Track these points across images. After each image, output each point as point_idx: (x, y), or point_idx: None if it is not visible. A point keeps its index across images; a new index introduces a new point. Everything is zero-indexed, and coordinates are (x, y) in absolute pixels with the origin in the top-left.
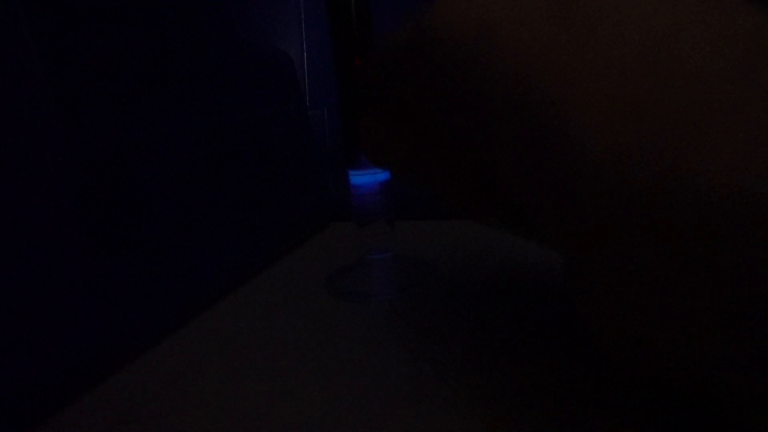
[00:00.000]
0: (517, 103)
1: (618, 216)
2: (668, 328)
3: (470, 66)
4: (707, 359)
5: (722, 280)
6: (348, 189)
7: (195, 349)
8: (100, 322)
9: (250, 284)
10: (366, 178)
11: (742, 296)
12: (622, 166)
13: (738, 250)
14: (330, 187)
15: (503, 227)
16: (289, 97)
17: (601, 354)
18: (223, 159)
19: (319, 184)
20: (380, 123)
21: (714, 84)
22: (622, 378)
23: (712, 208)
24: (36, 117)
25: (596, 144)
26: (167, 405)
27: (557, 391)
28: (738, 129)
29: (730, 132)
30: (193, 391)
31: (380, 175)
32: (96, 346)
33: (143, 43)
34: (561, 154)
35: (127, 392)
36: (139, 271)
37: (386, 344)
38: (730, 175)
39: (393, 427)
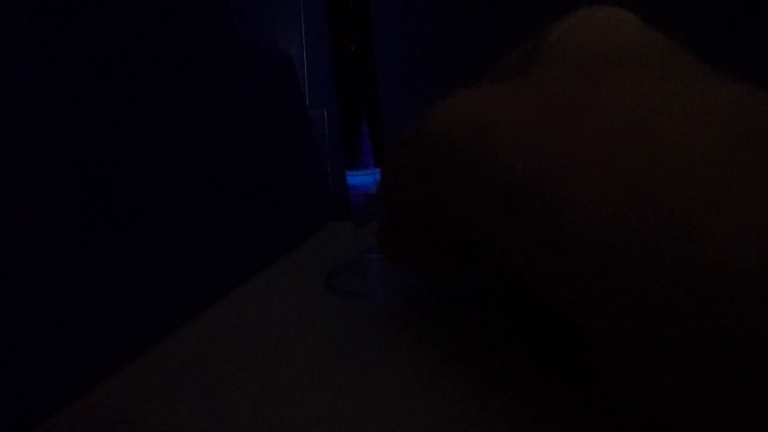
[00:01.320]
0: (513, 195)
1: (622, 287)
2: (679, 389)
3: (467, 166)
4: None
5: (724, 346)
6: (347, 189)
7: (194, 348)
8: (99, 321)
9: (250, 283)
10: (364, 178)
11: (744, 364)
12: (621, 238)
13: (738, 321)
14: (329, 186)
15: (524, 311)
16: (289, 97)
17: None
18: (222, 158)
19: (319, 183)
20: (396, 230)
21: (700, 159)
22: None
23: (712, 280)
24: (36, 117)
25: (594, 219)
26: (167, 405)
27: (555, 390)
28: (730, 202)
29: (721, 205)
30: (193, 390)
31: (378, 175)
32: (95, 345)
33: (143, 42)
34: (563, 235)
35: (126, 392)
36: (139, 271)
37: (384, 343)
38: (726, 248)
39: (390, 425)
